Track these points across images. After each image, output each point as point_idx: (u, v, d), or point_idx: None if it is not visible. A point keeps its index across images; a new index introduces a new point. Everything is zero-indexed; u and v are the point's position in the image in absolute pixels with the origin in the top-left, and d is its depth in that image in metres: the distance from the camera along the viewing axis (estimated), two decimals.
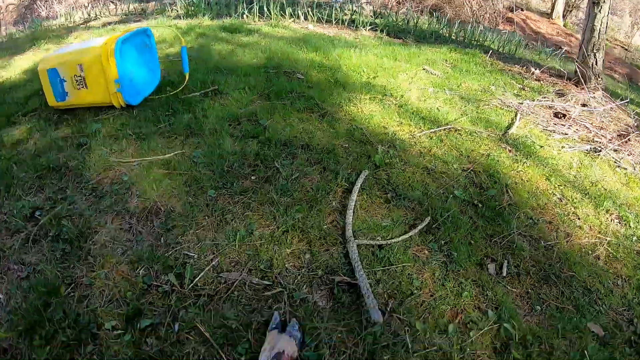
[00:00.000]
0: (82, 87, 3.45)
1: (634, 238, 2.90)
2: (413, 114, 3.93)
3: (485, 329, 2.16)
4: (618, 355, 2.17)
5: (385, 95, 4.21)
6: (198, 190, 2.73)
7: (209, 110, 3.62)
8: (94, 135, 3.30)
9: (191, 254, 2.32)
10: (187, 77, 3.93)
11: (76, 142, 3.23)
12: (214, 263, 2.27)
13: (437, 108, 4.15)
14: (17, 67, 5.05)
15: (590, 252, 2.76)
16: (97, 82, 3.40)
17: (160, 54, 4.64)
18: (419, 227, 2.57)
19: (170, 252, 2.33)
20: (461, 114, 4.12)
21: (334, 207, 2.70)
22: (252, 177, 2.86)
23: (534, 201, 3.10)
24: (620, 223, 3.05)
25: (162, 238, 2.43)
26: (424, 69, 5.13)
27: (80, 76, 3.41)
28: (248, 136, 3.25)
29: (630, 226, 3.00)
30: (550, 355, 2.11)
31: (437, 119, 3.92)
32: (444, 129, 3.76)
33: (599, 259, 2.72)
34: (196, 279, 2.19)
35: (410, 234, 2.52)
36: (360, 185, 2.80)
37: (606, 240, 2.85)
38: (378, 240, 2.43)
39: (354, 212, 2.59)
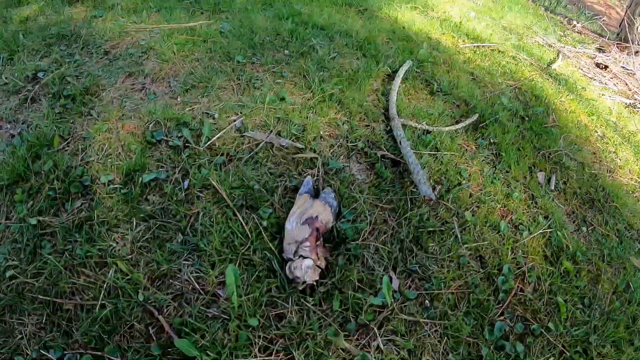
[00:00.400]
0: None
1: None
2: (455, 28, 3.35)
3: (537, 233, 1.76)
4: None
5: (427, 8, 3.61)
6: (224, 55, 2.21)
7: None
8: (111, 8, 2.74)
9: (211, 113, 1.83)
10: None
11: (91, 14, 2.67)
12: (236, 123, 1.79)
13: (480, 30, 3.57)
14: None
15: (631, 192, 2.41)
16: None
17: None
18: (468, 121, 2.10)
19: (187, 110, 1.85)
20: (504, 40, 3.55)
21: (376, 88, 2.20)
22: (286, 51, 2.32)
23: (577, 131, 2.68)
24: None
25: (179, 97, 1.94)
26: None
27: None
28: (282, 17, 2.68)
29: None
30: (598, 277, 1.77)
31: (480, 38, 3.35)
32: (488, 47, 3.21)
33: (639, 201, 2.38)
34: (214, 137, 1.71)
35: (457, 126, 2.04)
36: (404, 74, 2.28)
37: None
38: (423, 125, 1.95)
39: (397, 96, 2.09)
